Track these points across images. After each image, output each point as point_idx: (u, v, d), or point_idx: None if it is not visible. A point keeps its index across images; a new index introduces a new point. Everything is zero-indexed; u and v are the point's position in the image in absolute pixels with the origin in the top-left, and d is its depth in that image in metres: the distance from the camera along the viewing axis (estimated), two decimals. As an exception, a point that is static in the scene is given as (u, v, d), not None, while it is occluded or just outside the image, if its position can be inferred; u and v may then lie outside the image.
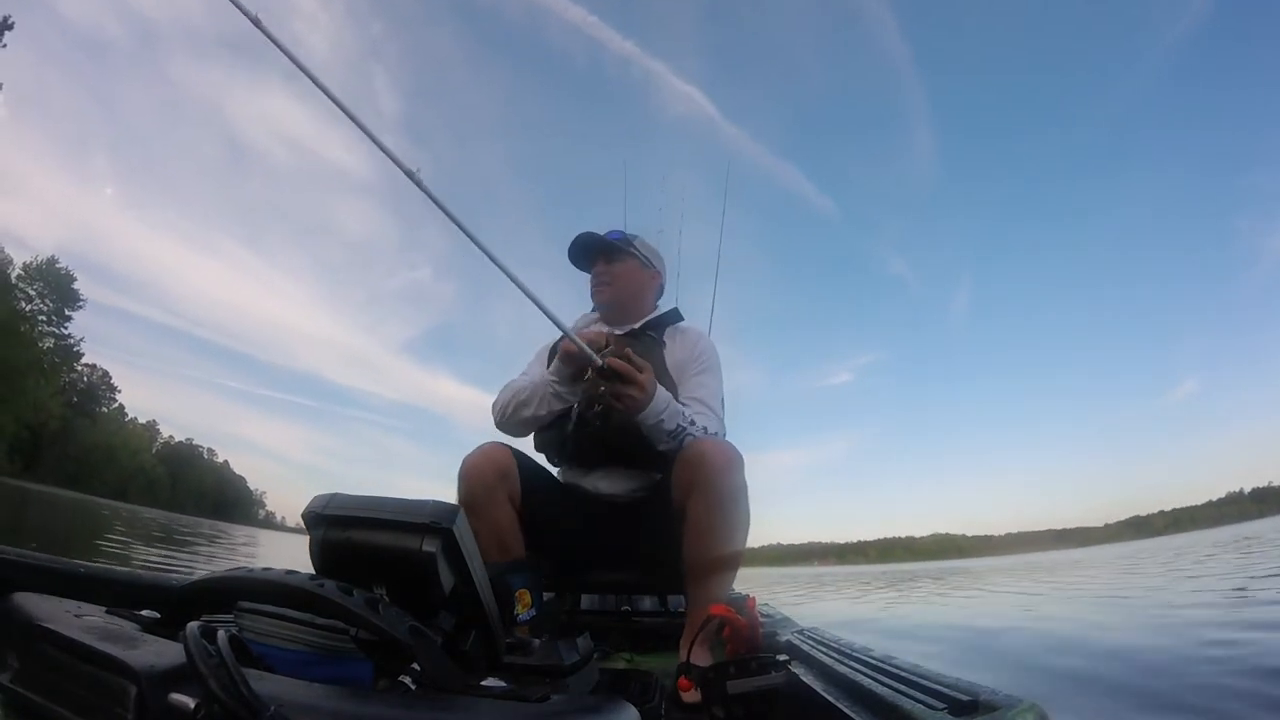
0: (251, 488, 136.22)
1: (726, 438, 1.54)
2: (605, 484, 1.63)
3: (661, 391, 1.38)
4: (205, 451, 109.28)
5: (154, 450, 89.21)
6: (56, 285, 48.35)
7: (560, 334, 1.38)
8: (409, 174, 1.23)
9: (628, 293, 1.75)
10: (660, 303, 1.87)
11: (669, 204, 2.55)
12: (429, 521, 0.72)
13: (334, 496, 0.78)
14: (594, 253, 1.76)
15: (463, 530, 0.74)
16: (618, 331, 1.72)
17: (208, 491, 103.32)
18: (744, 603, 1.42)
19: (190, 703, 0.48)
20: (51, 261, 48.28)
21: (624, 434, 1.44)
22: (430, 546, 0.71)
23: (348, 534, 0.75)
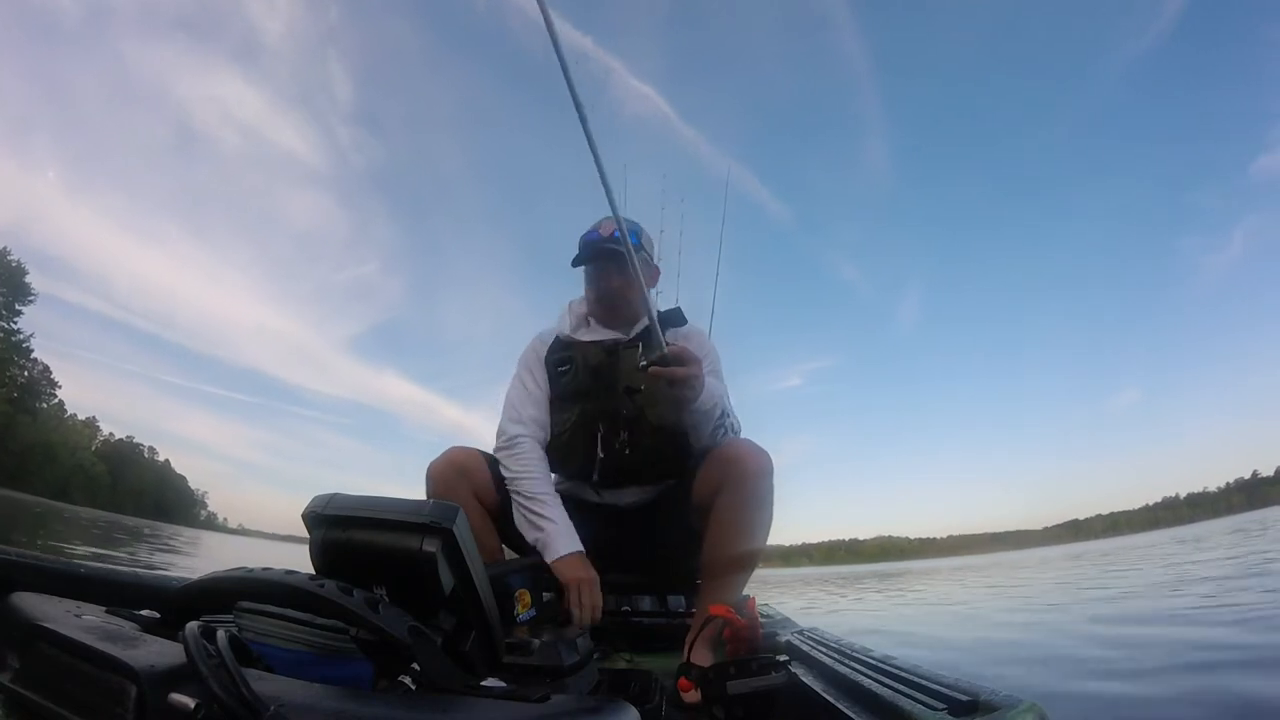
0: (193, 487, 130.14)
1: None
2: (614, 496, 1.62)
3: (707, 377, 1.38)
4: (146, 450, 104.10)
5: (93, 448, 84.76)
6: (7, 278, 46.17)
7: (545, 347, 1.39)
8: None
9: (634, 292, 1.67)
10: (659, 301, 1.85)
11: (669, 204, 2.56)
12: (429, 521, 0.72)
13: (334, 496, 0.79)
14: (603, 251, 1.67)
15: (463, 530, 0.74)
16: (622, 336, 1.68)
17: (148, 491, 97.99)
18: (744, 603, 1.42)
19: (190, 703, 0.48)
20: (4, 254, 45.97)
21: (649, 454, 1.47)
22: (430, 546, 0.72)
23: (348, 534, 0.75)
